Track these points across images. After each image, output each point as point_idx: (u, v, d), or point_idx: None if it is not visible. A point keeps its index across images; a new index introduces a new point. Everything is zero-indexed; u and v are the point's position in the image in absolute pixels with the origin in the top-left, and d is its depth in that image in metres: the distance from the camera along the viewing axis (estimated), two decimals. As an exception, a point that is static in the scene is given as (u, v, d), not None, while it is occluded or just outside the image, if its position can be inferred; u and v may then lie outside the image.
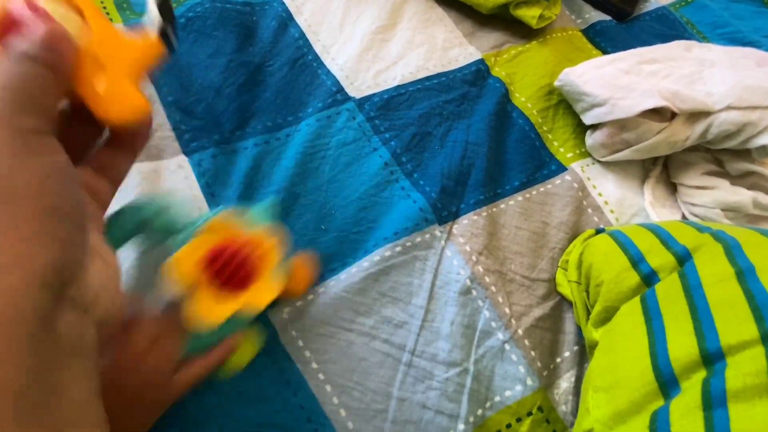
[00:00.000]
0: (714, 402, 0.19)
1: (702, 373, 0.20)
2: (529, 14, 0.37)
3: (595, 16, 0.43)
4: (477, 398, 0.25)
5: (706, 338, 0.21)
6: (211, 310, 0.19)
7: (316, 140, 0.30)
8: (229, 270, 0.20)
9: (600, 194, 0.33)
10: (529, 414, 0.25)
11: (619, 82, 0.30)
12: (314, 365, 0.24)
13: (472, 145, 0.32)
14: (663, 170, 0.34)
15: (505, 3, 0.37)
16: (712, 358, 0.20)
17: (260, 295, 0.21)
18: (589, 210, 0.32)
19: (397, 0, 0.39)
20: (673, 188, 0.34)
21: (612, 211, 0.32)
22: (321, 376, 0.23)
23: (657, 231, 0.27)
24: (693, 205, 0.32)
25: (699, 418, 0.18)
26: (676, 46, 0.33)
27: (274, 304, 0.24)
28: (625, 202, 0.33)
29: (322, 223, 0.28)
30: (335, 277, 0.26)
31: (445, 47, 0.37)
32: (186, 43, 0.32)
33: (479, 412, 0.25)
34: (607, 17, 0.43)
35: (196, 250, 0.20)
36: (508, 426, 0.25)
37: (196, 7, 0.33)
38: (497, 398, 0.25)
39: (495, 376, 0.26)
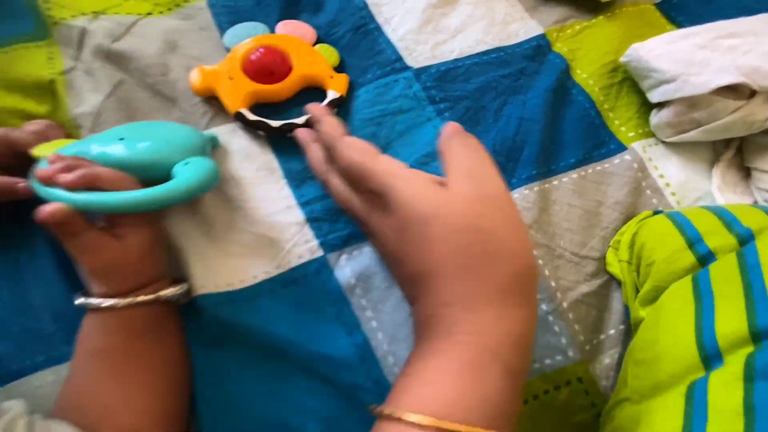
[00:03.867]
0: (757, 375, 0.19)
1: (749, 349, 0.21)
2: (598, -13, 0.37)
3: (673, -12, 0.42)
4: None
5: (757, 316, 0.21)
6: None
7: (372, 107, 0.33)
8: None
9: (661, 176, 0.33)
10: (568, 383, 0.27)
11: (694, 57, 0.30)
12: (369, 313, 0.27)
13: (527, 121, 0.33)
14: (737, 154, 0.34)
15: (573, -25, 0.37)
16: (762, 335, 0.20)
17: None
18: (648, 191, 0.33)
19: (459, -27, 0.41)
20: (746, 173, 0.33)
21: (673, 194, 0.33)
22: (374, 324, 0.27)
23: (720, 213, 0.27)
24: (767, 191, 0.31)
25: (739, 388, 0.19)
26: (759, 19, 0.32)
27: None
28: (688, 185, 0.33)
29: None
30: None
31: (506, 21, 0.38)
32: (261, 13, 0.36)
33: (518, 375, 0.27)
34: (687, -11, 0.42)
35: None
36: (546, 392, 0.27)
37: (268, -17, 0.38)
38: (536, 365, 0.27)
39: (536, 345, 0.28)
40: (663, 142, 0.34)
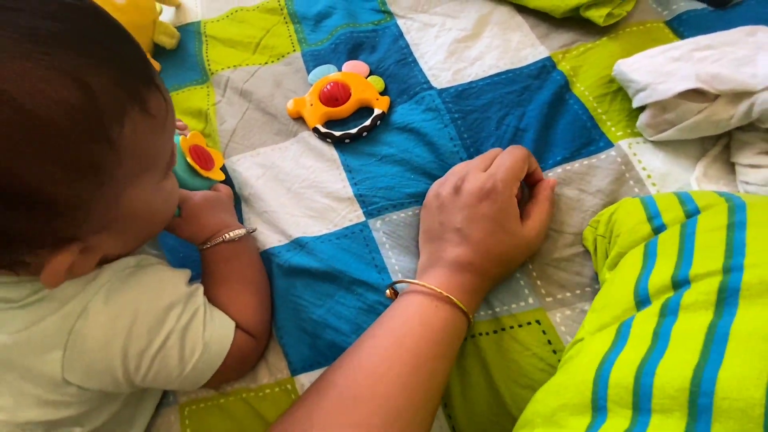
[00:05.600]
0: (669, 311, 0.23)
1: (670, 294, 0.25)
2: (597, 14, 0.44)
3: (685, 6, 0.45)
4: (490, 304, 0.35)
5: (680, 270, 0.25)
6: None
7: (406, 117, 0.45)
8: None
9: (644, 168, 0.38)
10: (528, 323, 0.34)
11: (663, 68, 0.35)
12: (393, 260, 0.38)
13: (521, 130, 0.41)
14: (724, 151, 0.37)
15: (577, 6, 0.44)
16: (680, 283, 0.24)
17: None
18: (631, 182, 0.37)
19: (484, 12, 0.50)
20: (733, 168, 0.37)
21: (654, 184, 0.37)
22: (396, 267, 0.38)
23: (681, 195, 0.32)
24: (747, 183, 0.34)
25: (653, 321, 0.24)
26: (740, 31, 0.35)
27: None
28: (670, 176, 0.37)
29: (411, 171, 0.42)
30: (411, 208, 0.40)
31: (518, 48, 0.47)
32: (335, 56, 0.51)
33: (489, 311, 0.35)
34: (700, 5, 0.45)
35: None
36: (511, 327, 0.34)
37: (341, 36, 0.52)
38: (505, 307, 0.35)
39: (505, 294, 0.35)
40: (651, 142, 0.39)
